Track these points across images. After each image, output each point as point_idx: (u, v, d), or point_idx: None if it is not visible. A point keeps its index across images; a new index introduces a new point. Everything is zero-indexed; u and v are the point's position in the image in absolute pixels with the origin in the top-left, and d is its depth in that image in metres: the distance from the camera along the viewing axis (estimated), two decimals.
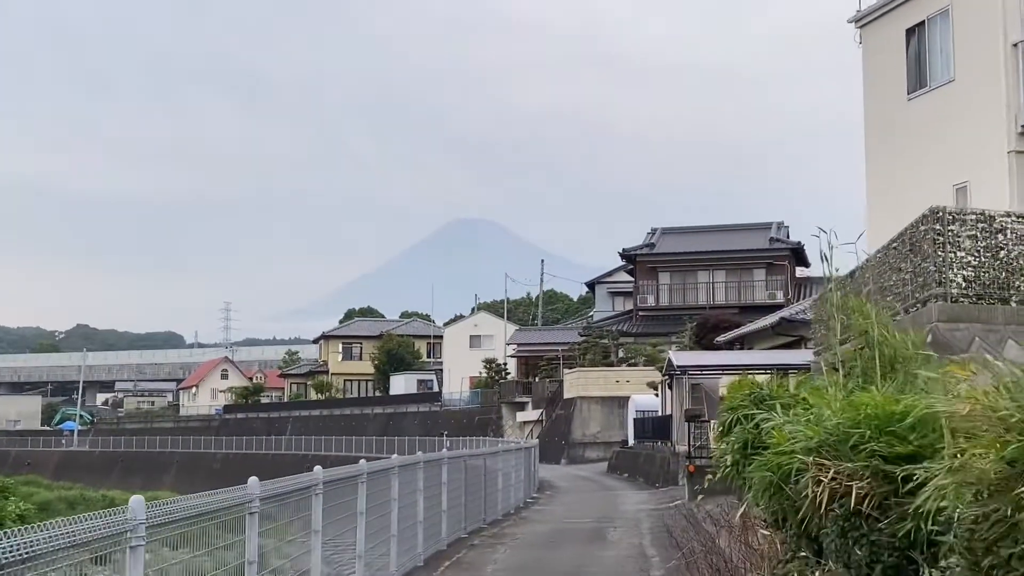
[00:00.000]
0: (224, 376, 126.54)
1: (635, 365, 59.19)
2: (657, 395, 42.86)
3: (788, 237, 66.05)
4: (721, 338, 43.84)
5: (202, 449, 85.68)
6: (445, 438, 61.87)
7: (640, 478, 37.02)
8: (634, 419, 43.87)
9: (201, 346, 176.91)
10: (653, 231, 68.72)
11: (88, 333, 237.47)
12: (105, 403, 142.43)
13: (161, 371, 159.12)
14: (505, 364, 77.52)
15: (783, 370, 28.69)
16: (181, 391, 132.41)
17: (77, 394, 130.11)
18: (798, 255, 65.31)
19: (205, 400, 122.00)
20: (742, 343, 40.74)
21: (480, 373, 78.86)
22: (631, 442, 44.56)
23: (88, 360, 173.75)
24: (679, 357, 32.27)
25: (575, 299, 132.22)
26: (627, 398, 54.43)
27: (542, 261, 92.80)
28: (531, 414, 68.18)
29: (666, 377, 35.54)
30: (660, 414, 38.30)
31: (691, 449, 25.61)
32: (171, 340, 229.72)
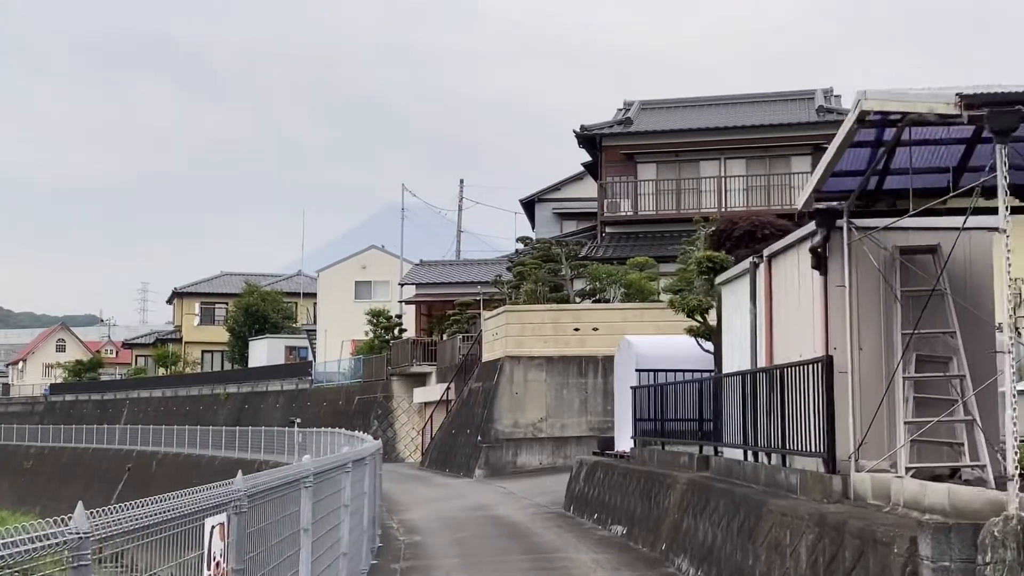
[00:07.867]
0: (61, 348, 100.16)
1: (604, 301, 34.26)
2: (698, 328, 18.10)
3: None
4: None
5: (15, 441, 72.11)
6: (296, 430, 39.61)
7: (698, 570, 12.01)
8: (634, 389, 18.87)
9: (112, 326, 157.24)
10: (627, 105, 43.75)
11: (1, 316, 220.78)
12: None
13: None
14: (400, 317, 52.15)
15: None
16: (9, 367, 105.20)
17: None
18: None
19: (35, 378, 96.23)
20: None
21: (367, 333, 53.45)
22: (625, 445, 19.58)
23: None
24: None
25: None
26: (593, 359, 29.90)
27: (461, 181, 67.82)
28: (435, 390, 43.19)
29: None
30: (738, 369, 13.15)
31: None
32: (91, 323, 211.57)
